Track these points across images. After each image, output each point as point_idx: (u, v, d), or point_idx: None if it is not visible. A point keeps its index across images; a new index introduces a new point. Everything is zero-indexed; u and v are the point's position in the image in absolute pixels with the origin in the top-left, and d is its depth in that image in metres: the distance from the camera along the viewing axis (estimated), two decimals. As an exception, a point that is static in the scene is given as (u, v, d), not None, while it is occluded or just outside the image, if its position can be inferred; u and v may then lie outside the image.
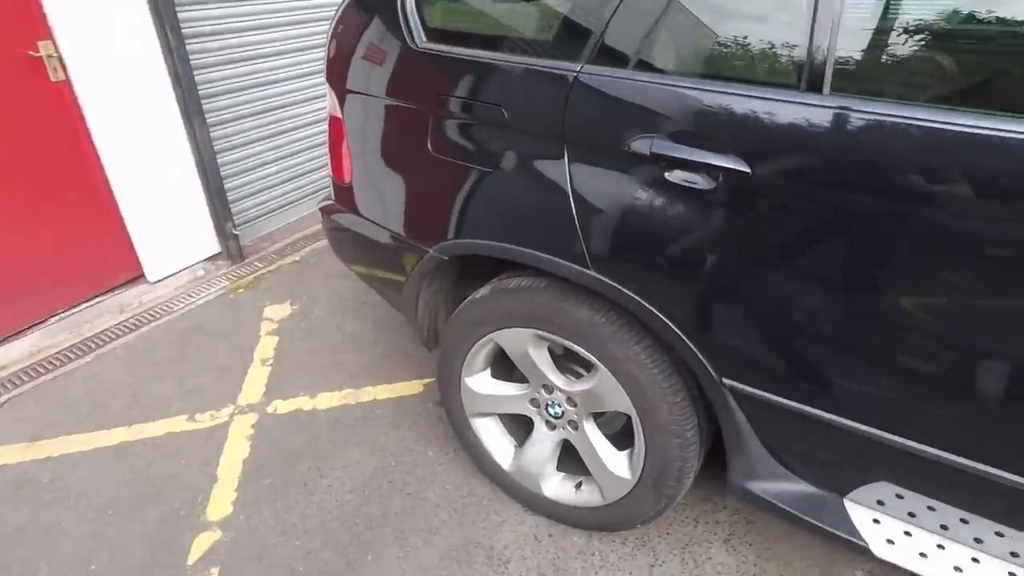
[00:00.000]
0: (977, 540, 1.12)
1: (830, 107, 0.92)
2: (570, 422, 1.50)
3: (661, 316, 1.15)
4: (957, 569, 1.11)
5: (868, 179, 0.91)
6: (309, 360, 2.26)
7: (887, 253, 0.93)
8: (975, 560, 1.12)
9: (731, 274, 1.07)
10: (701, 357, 1.15)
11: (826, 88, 0.93)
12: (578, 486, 1.58)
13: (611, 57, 1.10)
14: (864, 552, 1.15)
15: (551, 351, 1.46)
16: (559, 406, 1.50)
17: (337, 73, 1.54)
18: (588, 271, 1.20)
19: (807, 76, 0.94)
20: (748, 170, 0.98)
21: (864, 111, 0.89)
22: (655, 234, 1.11)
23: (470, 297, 1.50)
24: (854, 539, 1.16)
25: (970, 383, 0.93)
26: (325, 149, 2.13)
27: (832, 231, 0.97)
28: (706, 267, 1.08)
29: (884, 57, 0.94)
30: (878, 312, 0.96)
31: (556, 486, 1.60)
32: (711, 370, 1.15)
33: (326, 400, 2.08)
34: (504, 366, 1.59)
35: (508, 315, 1.40)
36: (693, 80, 1.03)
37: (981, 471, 0.97)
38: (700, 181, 1.04)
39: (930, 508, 1.13)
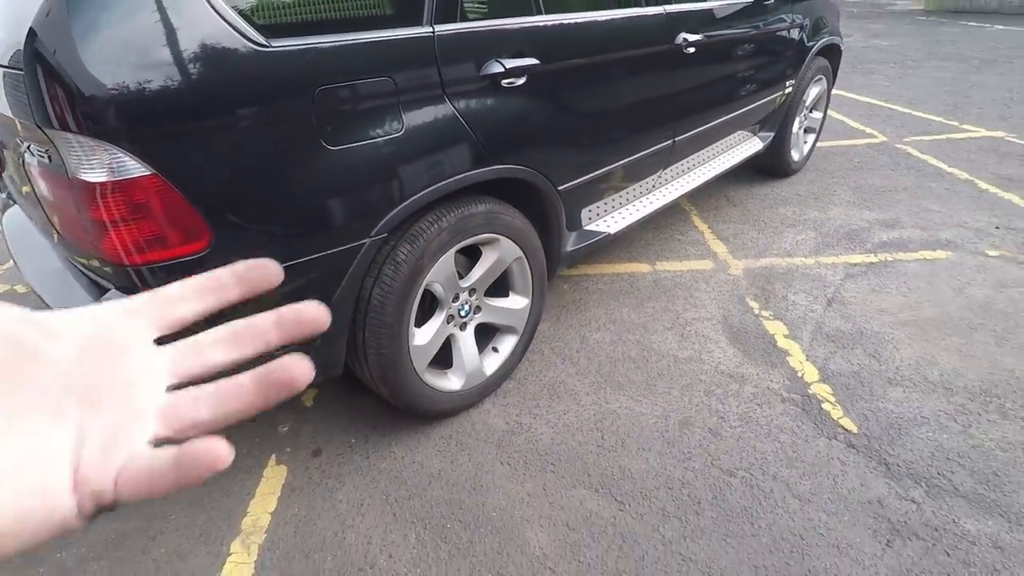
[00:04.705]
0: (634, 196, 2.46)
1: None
2: (474, 309, 1.93)
3: (540, 174, 1.82)
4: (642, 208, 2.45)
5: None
6: None
7: (603, 86, 1.94)
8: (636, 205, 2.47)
9: (552, 127, 1.85)
10: (552, 182, 1.91)
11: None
12: (494, 349, 2.06)
13: (446, 15, 1.51)
14: (607, 238, 2.29)
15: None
16: (465, 304, 1.88)
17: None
18: (492, 166, 1.68)
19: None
20: (537, 62, 1.73)
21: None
22: (523, 120, 1.72)
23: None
24: (601, 235, 2.28)
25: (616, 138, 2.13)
26: None
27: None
28: (550, 130, 1.81)
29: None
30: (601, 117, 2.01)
31: (488, 359, 2.02)
32: (554, 187, 1.93)
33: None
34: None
35: (442, 245, 1.65)
36: (505, 19, 1.66)
37: (607, 171, 2.21)
38: (519, 80, 1.70)
39: (600, 206, 2.36)
